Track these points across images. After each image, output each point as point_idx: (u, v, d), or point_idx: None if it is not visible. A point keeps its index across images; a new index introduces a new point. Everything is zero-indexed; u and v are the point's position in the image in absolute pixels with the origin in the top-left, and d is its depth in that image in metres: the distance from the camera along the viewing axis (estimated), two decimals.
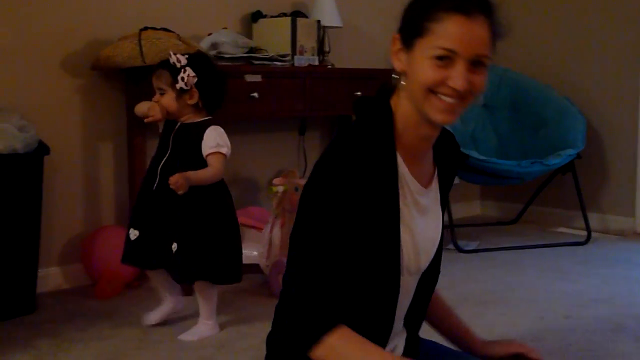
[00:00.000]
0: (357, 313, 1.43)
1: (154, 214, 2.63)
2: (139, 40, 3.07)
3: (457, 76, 1.32)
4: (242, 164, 3.85)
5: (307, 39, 3.71)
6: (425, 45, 1.33)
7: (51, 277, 3.20)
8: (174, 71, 2.58)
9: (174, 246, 2.57)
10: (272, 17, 3.76)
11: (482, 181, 4.38)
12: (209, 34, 3.46)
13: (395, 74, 1.44)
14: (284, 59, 3.57)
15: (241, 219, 3.40)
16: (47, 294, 3.10)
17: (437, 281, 1.66)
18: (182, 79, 2.56)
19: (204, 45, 3.35)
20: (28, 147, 2.81)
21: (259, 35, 3.73)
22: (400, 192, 1.43)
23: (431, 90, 1.35)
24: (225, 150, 2.60)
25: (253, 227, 3.32)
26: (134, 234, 2.65)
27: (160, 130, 2.71)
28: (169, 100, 2.60)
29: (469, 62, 1.32)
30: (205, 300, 2.66)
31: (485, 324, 2.72)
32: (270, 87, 3.39)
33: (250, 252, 3.30)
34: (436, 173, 1.55)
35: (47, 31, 3.17)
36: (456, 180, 4.15)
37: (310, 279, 1.37)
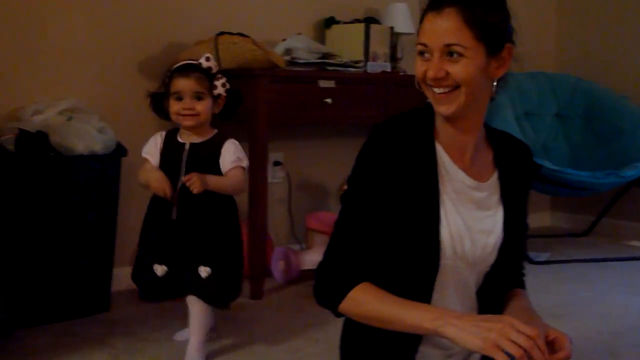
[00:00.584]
0: (394, 288, 1.48)
1: (180, 244, 2.42)
2: (216, 44, 3.11)
3: (429, 66, 1.47)
4: (313, 169, 3.87)
5: (379, 46, 3.71)
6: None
7: (125, 276, 3.23)
8: (210, 76, 2.45)
9: (204, 271, 2.39)
10: (345, 23, 3.76)
11: (554, 191, 4.30)
12: (284, 40, 3.50)
13: None
14: (357, 65, 3.57)
15: (312, 223, 3.43)
16: (121, 293, 3.16)
17: (505, 281, 1.65)
18: (223, 84, 2.46)
19: (278, 50, 3.38)
20: (106, 149, 2.88)
21: (332, 41, 3.73)
22: (440, 177, 1.52)
23: (426, 84, 1.50)
24: (245, 163, 2.46)
25: (323, 232, 3.32)
26: (161, 269, 2.43)
27: (158, 156, 2.51)
28: (206, 106, 2.42)
29: (442, 52, 1.45)
30: (202, 318, 2.51)
31: None
32: (343, 92, 3.39)
33: (320, 257, 3.31)
34: (497, 174, 1.60)
35: (126, 35, 3.24)
36: None
37: (341, 242, 1.51)
